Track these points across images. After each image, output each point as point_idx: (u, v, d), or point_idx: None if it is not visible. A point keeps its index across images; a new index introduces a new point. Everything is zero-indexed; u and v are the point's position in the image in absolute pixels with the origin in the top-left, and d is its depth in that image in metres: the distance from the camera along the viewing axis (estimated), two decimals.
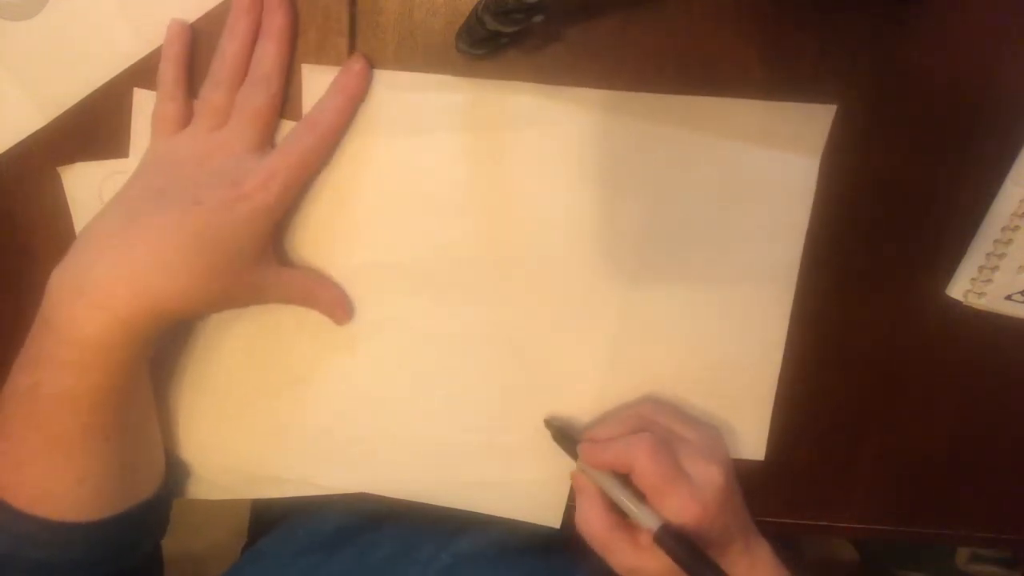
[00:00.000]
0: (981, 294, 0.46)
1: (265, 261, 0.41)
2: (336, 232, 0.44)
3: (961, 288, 0.46)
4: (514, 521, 0.49)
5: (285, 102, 0.41)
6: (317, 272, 0.44)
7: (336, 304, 0.44)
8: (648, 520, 0.40)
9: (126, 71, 0.42)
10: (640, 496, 0.41)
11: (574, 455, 0.44)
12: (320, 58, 0.41)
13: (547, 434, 0.47)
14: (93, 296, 0.36)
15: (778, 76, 0.42)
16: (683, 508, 0.39)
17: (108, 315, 0.36)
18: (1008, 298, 0.46)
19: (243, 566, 0.51)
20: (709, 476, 0.41)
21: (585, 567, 0.51)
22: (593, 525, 0.42)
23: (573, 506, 0.49)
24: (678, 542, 0.38)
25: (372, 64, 0.41)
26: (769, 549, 0.43)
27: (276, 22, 0.40)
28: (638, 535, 0.41)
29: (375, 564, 0.49)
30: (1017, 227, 0.44)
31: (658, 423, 0.44)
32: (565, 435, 0.46)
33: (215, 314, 0.45)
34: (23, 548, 0.38)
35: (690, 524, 0.39)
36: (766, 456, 0.49)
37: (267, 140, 0.40)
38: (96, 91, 0.42)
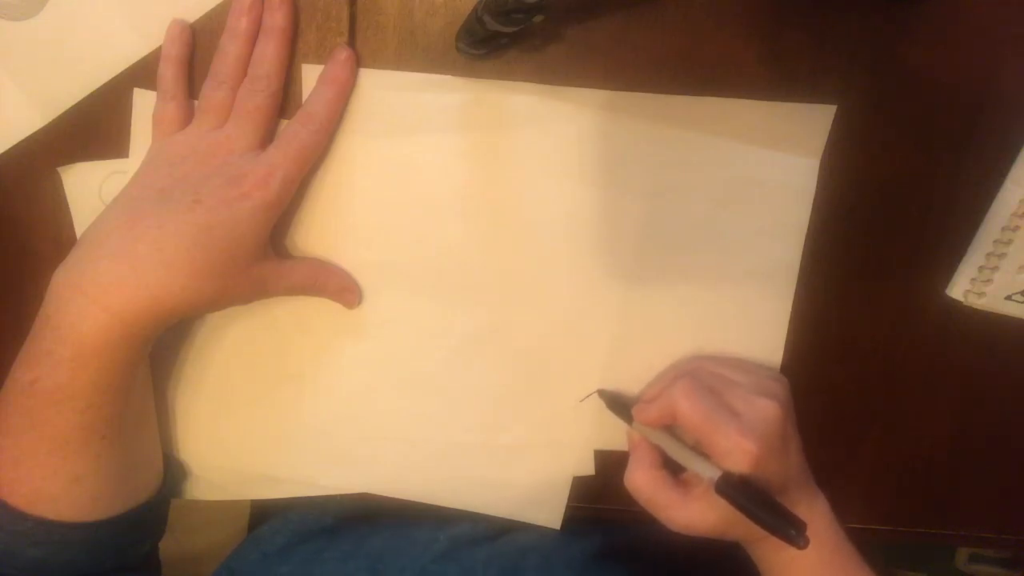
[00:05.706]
0: (981, 294, 0.46)
1: (265, 256, 0.41)
2: (337, 232, 0.44)
3: (961, 288, 0.46)
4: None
5: (285, 101, 0.41)
6: (320, 260, 0.44)
7: (344, 288, 0.44)
8: (705, 470, 0.38)
9: (126, 71, 0.42)
10: (699, 449, 0.39)
11: (629, 419, 0.43)
12: (320, 58, 0.41)
13: (547, 433, 0.47)
14: (93, 294, 0.36)
15: (778, 76, 0.42)
16: (735, 446, 0.37)
17: (107, 313, 0.36)
18: (1008, 298, 0.46)
19: (245, 551, 0.51)
20: (763, 411, 0.39)
21: (582, 545, 0.51)
22: (637, 483, 0.41)
23: (572, 506, 0.49)
24: (738, 489, 0.36)
25: (372, 64, 0.41)
26: (827, 504, 0.42)
27: (276, 21, 0.40)
28: (691, 489, 0.40)
29: (375, 547, 0.49)
30: (1017, 227, 0.44)
31: (706, 370, 0.43)
32: (619, 402, 0.45)
33: (214, 315, 0.45)
34: (20, 546, 0.38)
35: (747, 464, 0.37)
36: None
37: (267, 138, 0.40)
38: (96, 91, 0.42)
